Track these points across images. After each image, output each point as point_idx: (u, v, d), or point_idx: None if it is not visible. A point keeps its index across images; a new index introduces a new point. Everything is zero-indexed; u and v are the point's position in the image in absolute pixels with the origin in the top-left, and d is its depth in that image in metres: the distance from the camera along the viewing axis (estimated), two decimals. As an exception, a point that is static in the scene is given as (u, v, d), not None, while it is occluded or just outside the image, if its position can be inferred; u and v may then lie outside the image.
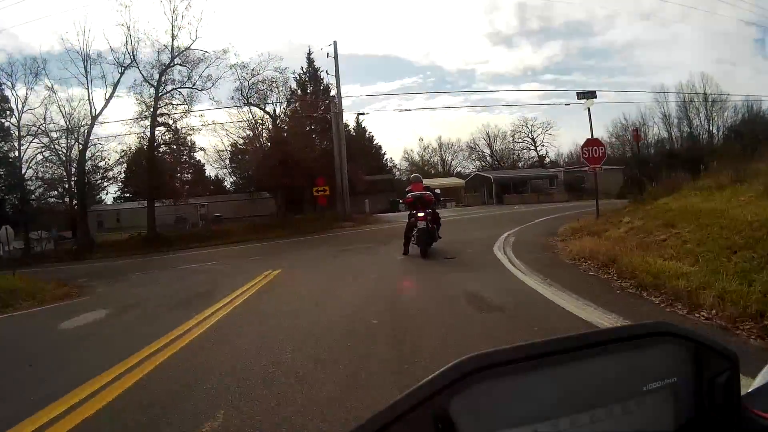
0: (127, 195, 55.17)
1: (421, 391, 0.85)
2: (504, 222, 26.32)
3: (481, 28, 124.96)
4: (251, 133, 42.05)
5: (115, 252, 32.24)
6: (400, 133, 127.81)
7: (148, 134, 38.23)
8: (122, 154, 40.22)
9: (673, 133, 71.92)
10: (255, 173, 43.55)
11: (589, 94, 22.48)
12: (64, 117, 38.46)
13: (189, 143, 42.71)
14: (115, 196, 57.73)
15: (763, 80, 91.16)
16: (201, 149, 44.75)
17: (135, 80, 38.47)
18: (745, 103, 67.12)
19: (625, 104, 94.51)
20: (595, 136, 21.22)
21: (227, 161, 46.08)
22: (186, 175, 44.20)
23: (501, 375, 0.88)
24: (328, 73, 39.88)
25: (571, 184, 67.64)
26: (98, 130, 40.87)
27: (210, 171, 59.81)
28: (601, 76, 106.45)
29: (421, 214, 14.20)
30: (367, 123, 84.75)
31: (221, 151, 43.83)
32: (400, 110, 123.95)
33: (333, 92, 42.69)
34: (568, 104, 69.06)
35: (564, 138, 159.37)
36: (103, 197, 50.36)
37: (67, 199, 40.89)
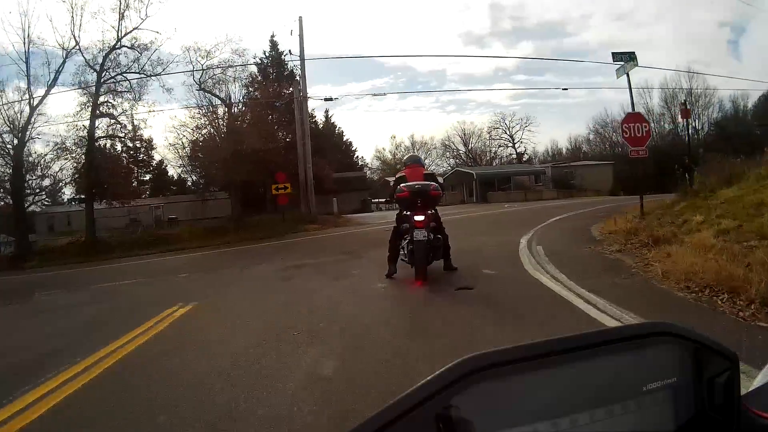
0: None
1: (421, 391, 0.85)
2: (509, 224, 21.79)
3: (453, 29, 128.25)
4: (205, 123, 37.37)
5: (51, 260, 28.68)
6: (371, 133, 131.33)
7: (87, 125, 33.33)
8: (56, 147, 34.76)
9: (655, 129, 70.50)
10: (207, 169, 38.75)
11: (627, 57, 17.38)
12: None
13: (141, 138, 38.24)
14: (70, 197, 51.82)
15: (734, 83, 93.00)
16: (154, 147, 41.56)
17: (78, 67, 33.50)
18: (730, 98, 68.86)
19: (600, 103, 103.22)
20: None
21: (186, 159, 40.57)
22: (143, 175, 41.90)
23: (501, 375, 0.89)
24: (291, 53, 34.59)
25: (559, 181, 65.88)
26: (49, 128, 35.11)
27: (173, 171, 57.51)
28: (573, 77, 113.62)
29: (419, 218, 9.50)
30: (337, 119, 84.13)
31: (176, 145, 38.26)
32: (372, 110, 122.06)
33: (297, 75, 38.14)
34: (566, 89, 70.20)
35: (542, 136, 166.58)
36: (62, 198, 46.29)
37: (10, 200, 35.80)
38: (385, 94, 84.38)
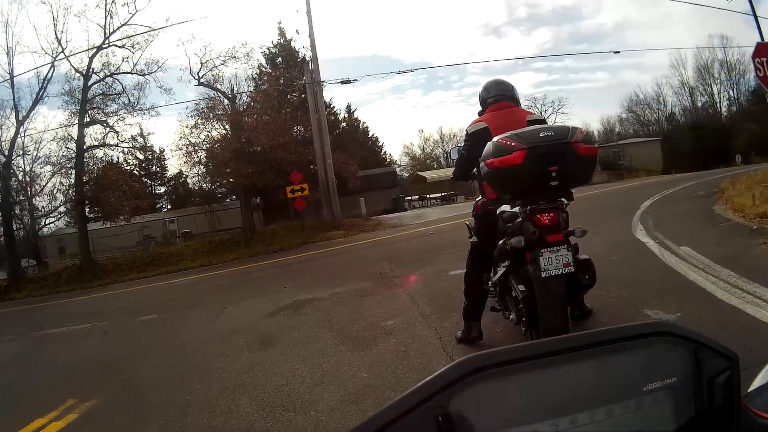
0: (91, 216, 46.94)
1: (421, 392, 0.85)
2: (593, 212, 16.79)
3: (471, 21, 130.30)
4: (203, 121, 32.58)
5: (43, 288, 26.50)
6: (397, 131, 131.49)
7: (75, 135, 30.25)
8: (41, 161, 32.19)
9: (687, 104, 77.44)
10: (212, 174, 34.65)
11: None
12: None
13: (145, 147, 36.05)
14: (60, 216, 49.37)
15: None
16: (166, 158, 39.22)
17: (66, 73, 31.34)
18: None
19: (622, 85, 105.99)
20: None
21: (190, 165, 35.48)
22: (157, 187, 39.75)
23: (501, 375, 0.89)
24: (298, 33, 31.00)
25: (607, 162, 62.03)
26: (41, 143, 32.54)
27: (191, 181, 52.43)
28: (592, 60, 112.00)
29: (550, 221, 4.25)
30: (361, 116, 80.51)
31: (180, 149, 33.30)
32: (395, 108, 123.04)
33: (309, 59, 33.11)
34: (617, 52, 72.30)
35: (571, 120, 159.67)
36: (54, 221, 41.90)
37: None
38: (411, 71, 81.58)
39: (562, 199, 4.37)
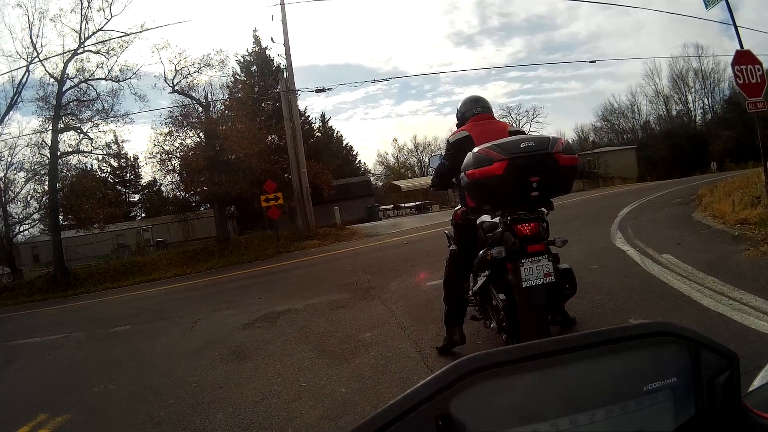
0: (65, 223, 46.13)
1: (421, 392, 0.85)
2: (574, 220, 17.23)
3: (442, 30, 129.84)
4: (176, 129, 32.36)
5: (15, 297, 25.84)
6: (370, 140, 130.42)
7: (49, 141, 29.68)
8: (12, 168, 32.10)
9: (662, 112, 78.73)
10: (186, 183, 33.92)
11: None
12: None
13: (119, 154, 37.18)
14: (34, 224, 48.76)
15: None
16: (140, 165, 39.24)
17: (40, 78, 30.32)
18: None
19: (594, 95, 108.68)
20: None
21: (164, 173, 35.18)
22: (132, 195, 39.66)
23: (501, 375, 0.89)
24: (273, 41, 30.23)
25: (582, 171, 62.76)
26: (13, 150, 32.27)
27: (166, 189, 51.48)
28: (566, 69, 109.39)
29: (530, 231, 4.33)
30: (335, 125, 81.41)
31: (154, 157, 33.01)
32: (368, 117, 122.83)
33: (283, 66, 32.55)
34: (593, 61, 73.67)
35: (550, 128, 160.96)
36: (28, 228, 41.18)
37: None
38: (386, 79, 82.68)
39: (543, 209, 4.42)
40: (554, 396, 0.90)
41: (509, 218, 4.34)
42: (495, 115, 5.79)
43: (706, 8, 15.09)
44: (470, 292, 5.45)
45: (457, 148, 5.17)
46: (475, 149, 4.38)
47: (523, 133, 6.13)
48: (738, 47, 13.75)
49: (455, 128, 5.72)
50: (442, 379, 0.84)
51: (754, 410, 1.06)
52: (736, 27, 14.30)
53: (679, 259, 8.48)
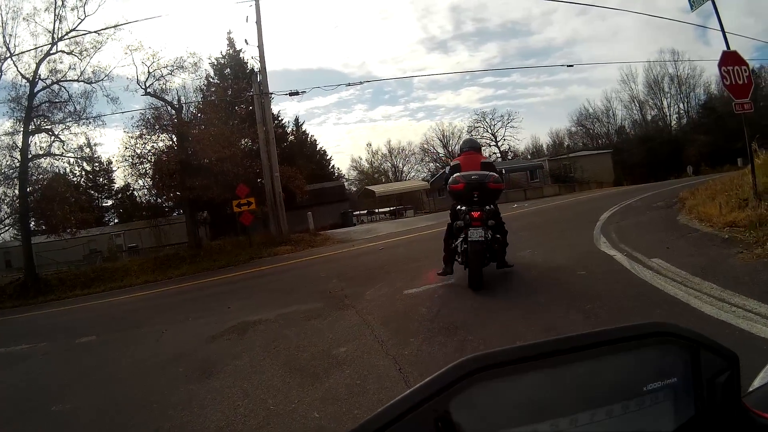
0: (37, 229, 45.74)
1: (422, 392, 0.86)
2: (558, 224, 18.29)
3: (416, 35, 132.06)
4: (148, 132, 31.68)
5: None
6: (344, 145, 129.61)
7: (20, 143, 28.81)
8: None
9: (637, 117, 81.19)
10: (158, 187, 33.78)
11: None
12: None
13: (91, 158, 35.66)
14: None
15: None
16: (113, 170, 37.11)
17: (12, 79, 29.40)
18: (717, 80, 69.29)
19: (569, 100, 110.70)
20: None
21: (136, 177, 34.66)
22: (104, 200, 39.72)
23: (501, 375, 0.90)
24: (247, 43, 29.87)
25: (558, 175, 65.06)
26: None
27: (139, 195, 51.47)
28: (541, 75, 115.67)
29: (475, 215, 8.51)
30: (309, 129, 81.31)
31: (126, 160, 32.23)
32: (342, 122, 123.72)
33: (257, 69, 32.38)
34: (571, 65, 75.53)
35: (524, 133, 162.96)
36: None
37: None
38: (360, 83, 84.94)
39: (489, 206, 8.65)
40: (554, 396, 0.91)
41: (466, 208, 8.57)
42: (478, 139, 11.33)
43: (691, 9, 15.08)
44: (458, 248, 8.91)
45: (452, 171, 9.40)
46: (454, 175, 8.99)
47: (492, 163, 9.87)
48: (725, 48, 13.76)
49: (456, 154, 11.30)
50: (442, 379, 0.85)
51: (754, 410, 1.07)
52: (722, 26, 14.21)
53: (670, 263, 8.45)
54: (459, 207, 8.75)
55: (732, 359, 1.04)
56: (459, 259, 8.86)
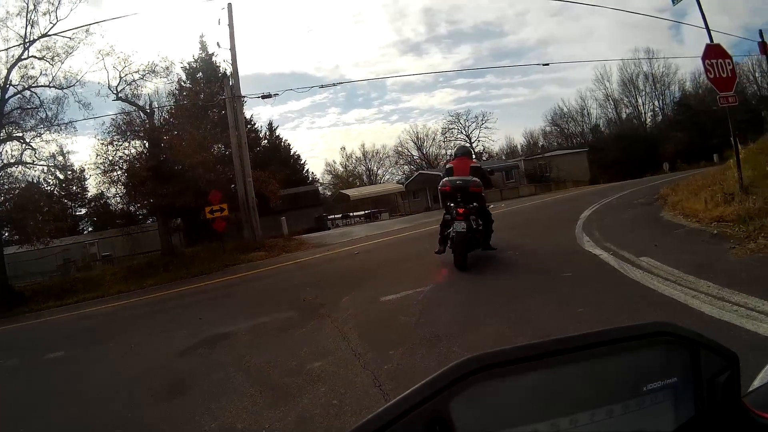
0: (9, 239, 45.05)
1: (421, 392, 0.86)
2: (544, 222, 18.53)
3: (389, 38, 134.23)
4: (119, 137, 31.19)
5: None
6: (318, 149, 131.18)
7: None
8: None
9: (612, 116, 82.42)
10: (130, 194, 33.38)
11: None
12: None
13: (64, 166, 34.80)
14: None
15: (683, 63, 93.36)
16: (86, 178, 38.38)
17: None
18: (692, 78, 73.72)
19: (542, 100, 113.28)
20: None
21: (108, 185, 33.78)
22: (78, 209, 44.15)
23: (501, 375, 0.90)
24: (220, 46, 29.94)
25: (534, 174, 65.48)
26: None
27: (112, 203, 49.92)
28: (514, 75, 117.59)
29: (459, 211, 10.45)
30: (282, 133, 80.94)
31: (98, 167, 31.68)
32: (315, 126, 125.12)
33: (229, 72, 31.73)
34: (546, 64, 77.07)
35: (499, 133, 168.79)
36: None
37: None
38: (334, 85, 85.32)
39: (473, 204, 10.60)
40: (554, 396, 0.91)
41: (453, 205, 10.51)
42: (463, 144, 16.55)
43: (674, 4, 15.99)
44: (446, 233, 10.77)
45: (446, 173, 11.33)
46: (444, 179, 11.10)
47: (480, 167, 11.67)
48: (708, 42, 13.95)
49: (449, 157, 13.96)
50: (442, 379, 0.85)
51: (754, 410, 1.07)
52: (705, 19, 14.47)
53: (661, 262, 8.19)
54: (449, 204, 10.91)
55: (732, 359, 1.04)
56: (449, 245, 10.71)
